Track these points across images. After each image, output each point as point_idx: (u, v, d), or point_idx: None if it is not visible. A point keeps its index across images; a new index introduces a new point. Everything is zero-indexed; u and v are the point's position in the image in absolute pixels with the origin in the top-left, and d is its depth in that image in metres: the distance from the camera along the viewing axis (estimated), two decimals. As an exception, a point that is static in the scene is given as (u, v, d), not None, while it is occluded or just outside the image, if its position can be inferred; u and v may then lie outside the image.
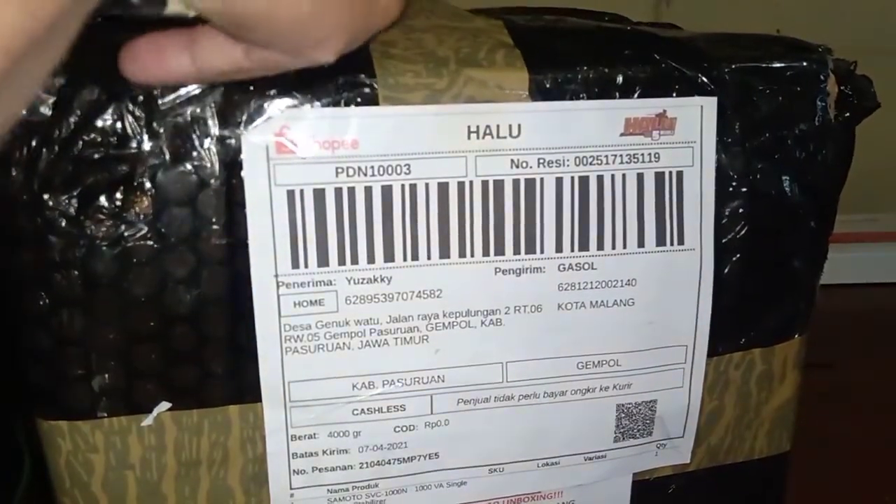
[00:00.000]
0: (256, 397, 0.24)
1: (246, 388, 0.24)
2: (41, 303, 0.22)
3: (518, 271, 0.25)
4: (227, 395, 0.24)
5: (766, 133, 0.26)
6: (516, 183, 0.24)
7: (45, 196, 0.21)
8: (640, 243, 0.25)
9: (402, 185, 0.23)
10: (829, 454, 0.42)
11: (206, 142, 0.22)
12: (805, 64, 0.26)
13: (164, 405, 0.23)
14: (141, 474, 0.24)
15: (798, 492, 0.38)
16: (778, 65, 0.26)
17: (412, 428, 0.25)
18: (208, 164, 0.22)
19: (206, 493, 0.24)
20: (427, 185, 0.23)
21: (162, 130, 0.21)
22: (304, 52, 0.19)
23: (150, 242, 0.22)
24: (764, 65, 0.26)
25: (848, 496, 0.39)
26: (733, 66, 0.26)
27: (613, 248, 0.25)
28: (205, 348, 0.23)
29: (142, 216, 0.22)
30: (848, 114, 0.27)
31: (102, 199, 0.21)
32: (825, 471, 0.41)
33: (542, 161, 0.24)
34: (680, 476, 0.29)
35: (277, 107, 0.22)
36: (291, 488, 0.25)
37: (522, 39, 0.25)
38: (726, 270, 0.26)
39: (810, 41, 0.28)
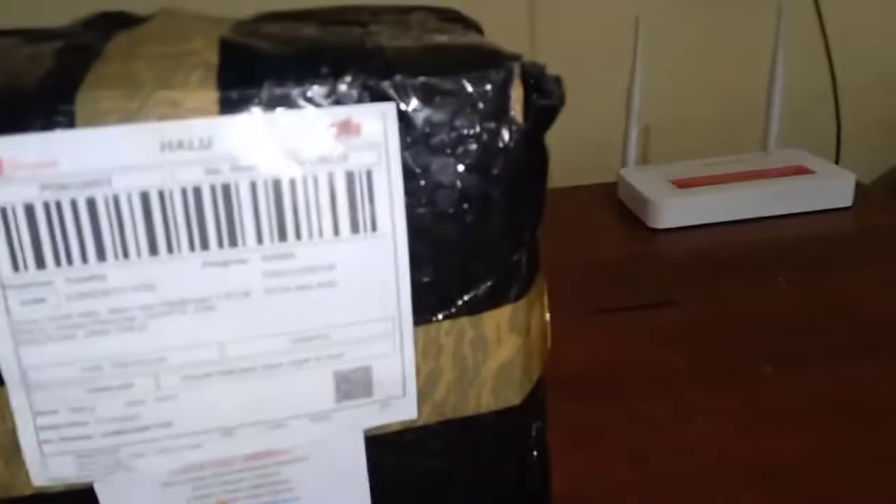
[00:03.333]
0: (2, 380, 0.28)
1: (-10, 374, 0.28)
2: None
3: (224, 263, 0.28)
4: (-25, 378, 0.28)
5: (447, 133, 0.29)
6: (213, 188, 0.28)
7: None
8: (336, 232, 0.29)
9: (106, 197, 0.27)
10: (674, 382, 0.48)
11: (-82, 170, 0.25)
12: (488, 71, 0.29)
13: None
14: None
15: (651, 416, 0.45)
16: (460, 73, 0.29)
17: (142, 402, 0.29)
18: (-78, 189, 0.26)
19: (-31, 462, 0.29)
20: (129, 195, 0.27)
21: None
22: None
23: None
24: (445, 74, 0.29)
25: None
26: (417, 76, 0.29)
27: (311, 238, 0.29)
28: (-52, 342, 0.27)
29: None
30: (535, 113, 0.30)
31: None
32: (673, 397, 0.48)
33: (234, 167, 0.28)
34: (411, 430, 0.33)
35: (-17, 136, 0.26)
36: (43, 455, 0.29)
37: (230, 57, 0.28)
38: (421, 252, 0.30)
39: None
